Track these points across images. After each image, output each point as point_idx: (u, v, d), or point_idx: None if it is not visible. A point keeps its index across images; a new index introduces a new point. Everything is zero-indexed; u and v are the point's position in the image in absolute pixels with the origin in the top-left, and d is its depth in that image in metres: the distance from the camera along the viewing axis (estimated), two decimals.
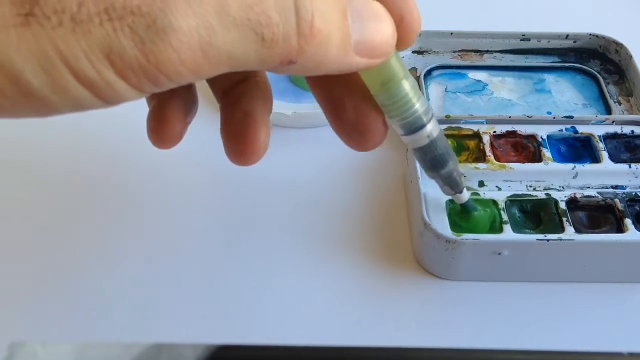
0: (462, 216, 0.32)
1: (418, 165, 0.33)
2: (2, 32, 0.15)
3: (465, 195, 0.30)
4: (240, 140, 0.24)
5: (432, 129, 0.24)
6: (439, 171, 0.27)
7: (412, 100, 0.23)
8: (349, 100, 0.23)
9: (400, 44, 0.21)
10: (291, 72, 0.19)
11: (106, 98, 0.17)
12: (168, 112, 0.24)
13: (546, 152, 0.34)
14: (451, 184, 0.28)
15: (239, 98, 0.25)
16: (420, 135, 0.24)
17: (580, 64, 0.42)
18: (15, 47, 0.15)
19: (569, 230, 0.31)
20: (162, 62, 0.16)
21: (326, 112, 0.24)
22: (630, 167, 0.34)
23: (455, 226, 0.31)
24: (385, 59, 0.21)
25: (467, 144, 0.35)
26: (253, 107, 0.24)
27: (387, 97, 0.22)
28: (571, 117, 0.36)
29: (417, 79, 0.41)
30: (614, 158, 0.34)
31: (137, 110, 0.37)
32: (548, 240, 0.30)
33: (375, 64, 0.20)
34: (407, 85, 0.22)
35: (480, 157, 0.35)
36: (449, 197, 0.32)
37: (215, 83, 0.25)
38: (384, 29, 0.20)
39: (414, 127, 0.24)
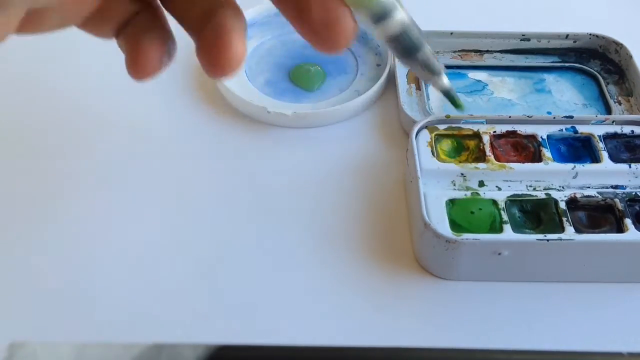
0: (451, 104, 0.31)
1: (418, 165, 0.33)
2: None
3: (446, 79, 0.28)
4: (213, 51, 0.24)
5: (403, 14, 0.24)
6: (415, 55, 0.26)
7: None
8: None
9: None
10: None
11: None
12: (143, 43, 0.24)
13: (546, 152, 0.34)
14: (429, 67, 0.27)
15: (209, 19, 0.25)
16: (392, 22, 0.24)
17: (580, 64, 0.42)
18: None
19: (569, 230, 0.31)
20: None
21: (290, 17, 0.25)
22: (630, 167, 0.34)
23: (455, 226, 0.31)
24: None
25: (467, 144, 0.35)
26: (224, 21, 0.25)
27: None
28: (571, 117, 0.36)
29: (417, 79, 0.41)
30: (614, 158, 0.34)
31: (139, 109, 0.37)
32: (548, 240, 0.30)
33: None
34: None
35: (480, 157, 0.35)
36: (449, 197, 0.32)
37: (182, 13, 0.26)
38: None
39: (384, 13, 0.24)
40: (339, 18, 0.23)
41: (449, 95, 0.29)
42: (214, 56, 0.24)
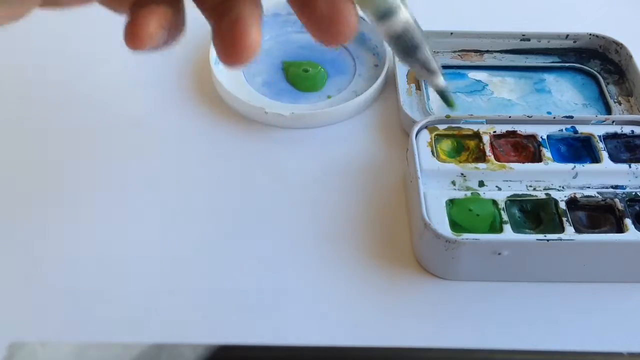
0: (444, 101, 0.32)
1: (418, 165, 0.33)
2: None
3: (442, 78, 0.29)
4: (230, 41, 0.24)
5: (407, 14, 0.25)
6: (416, 55, 0.27)
7: None
8: None
9: None
10: None
11: None
12: (143, 12, 0.23)
13: (546, 152, 0.34)
14: (428, 66, 0.28)
15: (228, 10, 0.25)
16: (396, 21, 0.25)
17: (581, 64, 0.42)
18: None
19: (569, 230, 0.31)
20: None
21: (296, 7, 0.25)
22: (630, 167, 0.34)
23: (455, 226, 0.31)
24: None
25: (467, 144, 0.35)
26: (241, 12, 0.25)
27: None
28: (571, 117, 0.36)
29: (417, 79, 0.41)
30: (614, 158, 0.34)
31: (136, 109, 0.37)
32: (548, 240, 0.30)
33: None
34: None
35: (480, 157, 0.35)
36: (449, 197, 0.32)
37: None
38: None
39: (388, 11, 0.24)
40: (343, 12, 0.24)
41: (443, 94, 0.29)
42: (230, 48, 0.24)
